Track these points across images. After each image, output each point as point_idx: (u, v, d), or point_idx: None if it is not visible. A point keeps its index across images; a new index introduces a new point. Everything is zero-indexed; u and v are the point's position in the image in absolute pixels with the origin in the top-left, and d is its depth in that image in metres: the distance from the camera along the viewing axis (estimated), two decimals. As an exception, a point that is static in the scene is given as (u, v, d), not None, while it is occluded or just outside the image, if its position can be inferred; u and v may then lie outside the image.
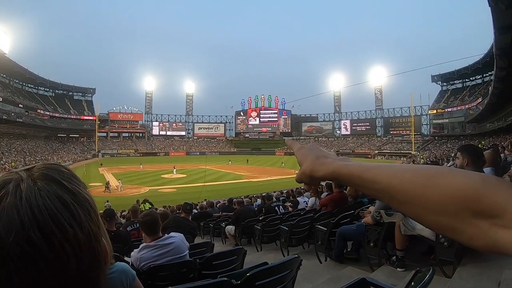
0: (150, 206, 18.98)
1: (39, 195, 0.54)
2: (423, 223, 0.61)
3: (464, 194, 0.53)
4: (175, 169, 48.50)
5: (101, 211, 7.40)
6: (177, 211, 12.64)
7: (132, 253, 3.62)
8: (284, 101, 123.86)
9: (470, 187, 0.53)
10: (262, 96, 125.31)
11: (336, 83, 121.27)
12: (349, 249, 5.67)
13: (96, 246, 0.58)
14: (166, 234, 3.70)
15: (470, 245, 0.55)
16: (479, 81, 79.09)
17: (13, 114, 66.61)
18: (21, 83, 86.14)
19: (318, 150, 0.85)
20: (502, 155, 9.17)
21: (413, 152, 76.77)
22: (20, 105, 72.03)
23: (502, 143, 20.07)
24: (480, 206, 0.51)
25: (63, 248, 0.52)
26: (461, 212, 0.53)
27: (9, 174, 0.60)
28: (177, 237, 3.67)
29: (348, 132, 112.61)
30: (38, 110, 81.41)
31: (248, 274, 2.53)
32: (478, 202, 0.51)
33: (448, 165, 13.82)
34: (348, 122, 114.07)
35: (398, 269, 4.47)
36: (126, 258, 3.91)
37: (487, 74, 70.40)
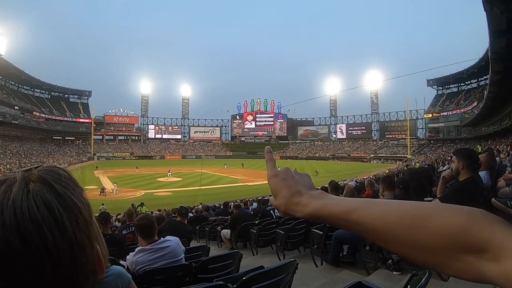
0: (147, 209, 18.92)
1: (26, 197, 0.54)
2: (409, 259, 0.59)
3: (452, 233, 0.52)
4: (169, 173, 48.20)
5: (96, 214, 7.38)
6: (173, 215, 12.61)
7: (128, 257, 3.60)
8: (280, 105, 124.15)
9: (458, 225, 0.52)
10: (258, 99, 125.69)
11: (332, 87, 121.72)
12: (345, 253, 5.67)
13: (78, 255, 0.57)
14: (161, 238, 3.69)
15: (457, 277, 0.55)
16: (475, 85, 79.50)
17: (8, 116, 66.21)
18: (17, 84, 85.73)
19: (292, 183, 0.78)
20: (497, 158, 9.21)
21: (408, 156, 77.14)
22: (15, 107, 71.78)
23: (497, 147, 20.17)
24: (468, 243, 0.51)
25: (39, 252, 0.52)
26: (449, 249, 0.53)
27: (7, 174, 0.61)
28: (172, 241, 3.66)
29: (344, 136, 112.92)
30: (34, 112, 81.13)
31: (244, 278, 2.53)
32: (466, 239, 0.51)
33: (443, 168, 13.84)
34: (344, 126, 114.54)
35: (394, 272, 4.48)
36: (121, 262, 3.89)
37: (482, 78, 70.93)
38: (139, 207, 19.11)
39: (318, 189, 0.79)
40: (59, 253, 0.54)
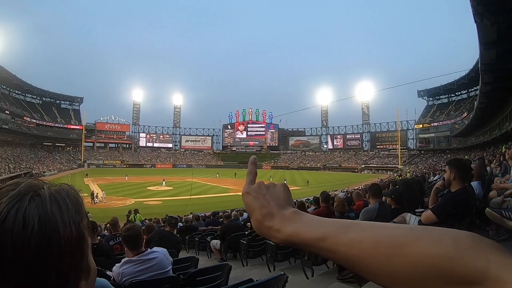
0: (141, 218, 18.57)
1: (13, 204, 0.56)
2: None
3: (436, 263, 0.45)
4: (164, 182, 47.90)
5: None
6: (162, 224, 12.45)
7: (114, 268, 3.51)
8: (271, 115, 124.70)
9: (442, 255, 0.46)
10: (250, 109, 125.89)
11: (323, 98, 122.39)
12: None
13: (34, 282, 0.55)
14: (148, 249, 3.59)
15: None
16: (465, 96, 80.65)
17: (-2, 120, 65.57)
18: (8, 89, 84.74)
19: (264, 201, 0.71)
20: (488, 168, 9.23)
21: (399, 166, 77.54)
22: (6, 112, 70.96)
23: (488, 157, 20.27)
24: (456, 275, 0.44)
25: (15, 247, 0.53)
26: (434, 282, 0.46)
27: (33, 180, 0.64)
28: (160, 252, 3.57)
29: (335, 147, 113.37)
30: (25, 118, 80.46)
31: (232, 292, 2.44)
32: (453, 271, 0.44)
33: (434, 179, 13.82)
34: (335, 137, 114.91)
35: (385, 285, 4.39)
36: (108, 272, 3.79)
37: (472, 89, 71.91)
38: (132, 215, 18.70)
39: (296, 202, 0.71)
40: (10, 271, 0.53)
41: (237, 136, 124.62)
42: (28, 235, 0.54)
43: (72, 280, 0.60)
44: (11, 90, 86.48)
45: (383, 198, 5.21)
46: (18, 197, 0.58)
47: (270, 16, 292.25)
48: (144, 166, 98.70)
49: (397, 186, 6.47)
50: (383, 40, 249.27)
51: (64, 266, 0.58)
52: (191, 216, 16.56)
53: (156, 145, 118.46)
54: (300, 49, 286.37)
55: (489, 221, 4.77)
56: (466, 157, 37.44)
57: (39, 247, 0.55)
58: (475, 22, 15.12)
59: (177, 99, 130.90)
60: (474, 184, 4.77)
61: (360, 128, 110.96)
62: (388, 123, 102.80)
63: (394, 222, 4.37)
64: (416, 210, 4.75)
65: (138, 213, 19.52)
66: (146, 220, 16.52)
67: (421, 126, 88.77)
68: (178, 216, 16.43)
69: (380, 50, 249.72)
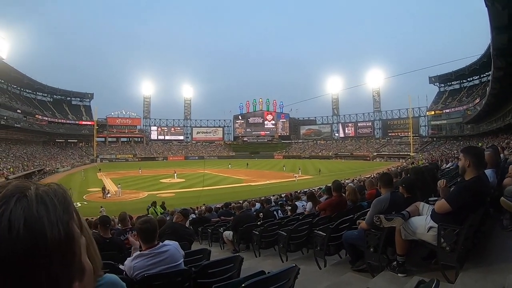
0: (161, 210, 18.52)
1: (23, 208, 0.57)
2: None
3: None
4: (175, 174, 48.19)
5: (96, 218, 7.33)
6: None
7: (126, 262, 3.53)
8: (282, 104, 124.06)
9: None
10: (260, 99, 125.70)
11: (334, 86, 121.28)
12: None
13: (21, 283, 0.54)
14: (160, 242, 3.60)
15: None
16: (477, 81, 79.18)
17: (11, 119, 66.01)
18: (19, 88, 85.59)
19: None
20: (501, 155, 9.08)
21: (411, 154, 76.95)
22: (18, 111, 71.61)
23: (501, 144, 19.98)
24: None
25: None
26: None
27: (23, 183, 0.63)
28: (171, 245, 3.58)
29: (347, 135, 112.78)
30: (36, 116, 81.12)
31: (243, 285, 2.43)
32: None
33: (447, 166, 13.72)
34: (346, 125, 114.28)
35: (399, 274, 4.36)
36: (120, 266, 3.82)
37: (484, 75, 70.44)
38: (152, 209, 18.42)
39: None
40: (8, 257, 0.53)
41: (248, 126, 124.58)
42: (14, 237, 0.53)
43: (63, 281, 0.59)
44: (22, 89, 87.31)
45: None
46: (4, 199, 0.57)
47: (278, 6, 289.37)
48: (156, 159, 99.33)
49: (408, 175, 6.40)
50: (394, 27, 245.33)
51: (54, 267, 0.57)
52: (204, 207, 16.60)
53: (167, 137, 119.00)
54: (309, 37, 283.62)
55: (503, 210, 4.71)
56: (480, 144, 36.97)
57: (26, 249, 0.54)
58: (486, 6, 14.81)
59: (187, 91, 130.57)
60: (488, 172, 4.70)
61: (372, 116, 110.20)
62: (399, 110, 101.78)
63: (407, 212, 4.34)
64: (429, 199, 4.69)
65: (159, 206, 19.28)
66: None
67: (433, 112, 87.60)
68: (191, 207, 16.51)
69: (390, 36, 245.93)
